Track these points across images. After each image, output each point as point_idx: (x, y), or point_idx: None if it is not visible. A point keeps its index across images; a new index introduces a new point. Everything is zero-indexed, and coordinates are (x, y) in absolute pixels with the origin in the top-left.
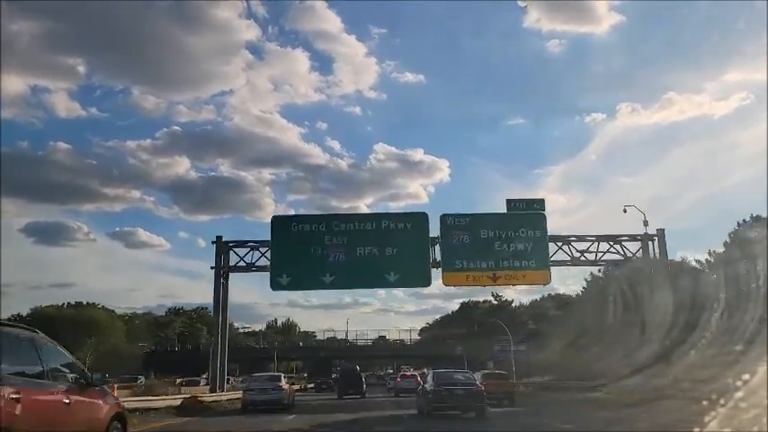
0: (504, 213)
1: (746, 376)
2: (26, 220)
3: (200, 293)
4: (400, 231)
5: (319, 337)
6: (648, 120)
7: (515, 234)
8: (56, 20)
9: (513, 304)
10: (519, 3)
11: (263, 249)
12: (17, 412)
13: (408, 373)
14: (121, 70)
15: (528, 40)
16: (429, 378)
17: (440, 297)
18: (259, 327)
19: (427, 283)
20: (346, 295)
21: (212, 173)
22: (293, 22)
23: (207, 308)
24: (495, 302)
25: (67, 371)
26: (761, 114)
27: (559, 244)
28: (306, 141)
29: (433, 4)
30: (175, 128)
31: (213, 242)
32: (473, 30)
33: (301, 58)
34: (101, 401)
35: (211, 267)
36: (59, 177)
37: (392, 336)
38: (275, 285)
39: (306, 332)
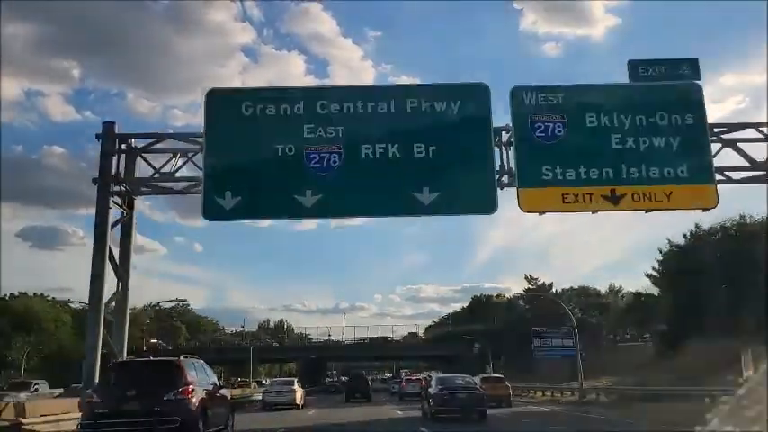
0: (628, 85)
1: None
2: (22, 224)
3: (197, 299)
4: (441, 117)
5: (315, 338)
6: None
7: (649, 120)
8: (50, 23)
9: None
10: (515, 5)
11: (192, 153)
12: (206, 400)
13: (413, 378)
14: (116, 74)
15: (524, 43)
16: (433, 383)
17: (437, 301)
18: (234, 328)
19: (490, 206)
20: (343, 299)
21: None
22: (289, 24)
23: (189, 304)
24: (531, 286)
25: (213, 378)
26: (756, 117)
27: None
28: None
29: (429, 7)
30: (171, 132)
31: (97, 136)
32: (469, 33)
33: (297, 62)
34: (228, 395)
35: (93, 180)
36: (54, 181)
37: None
38: (212, 210)
39: (300, 334)
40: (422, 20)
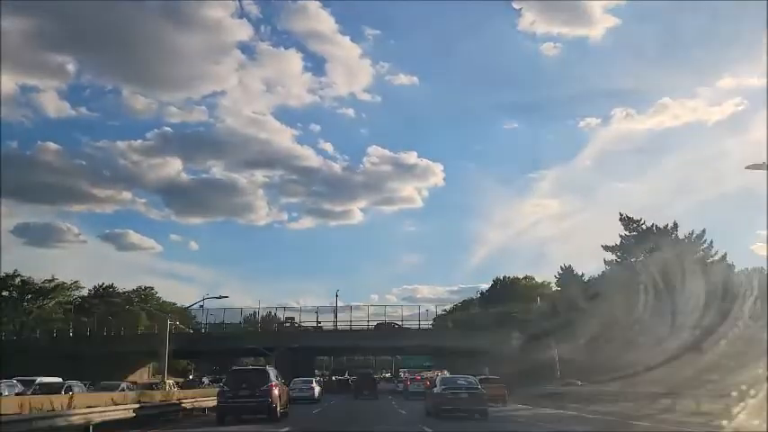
0: None
1: None
2: (16, 221)
3: (192, 297)
4: None
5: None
6: (643, 125)
7: None
8: (45, 17)
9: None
10: (513, 5)
11: None
12: (280, 390)
13: (418, 377)
14: (111, 69)
15: (522, 42)
16: (437, 382)
17: (433, 301)
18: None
19: None
20: (339, 298)
21: (204, 175)
22: (286, 21)
23: (153, 288)
24: (628, 233)
25: (280, 376)
26: (755, 120)
27: None
28: (299, 143)
29: (428, 6)
30: (166, 129)
31: None
32: (467, 32)
33: (294, 59)
34: (287, 390)
35: None
36: (49, 178)
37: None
38: None
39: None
40: (420, 19)
